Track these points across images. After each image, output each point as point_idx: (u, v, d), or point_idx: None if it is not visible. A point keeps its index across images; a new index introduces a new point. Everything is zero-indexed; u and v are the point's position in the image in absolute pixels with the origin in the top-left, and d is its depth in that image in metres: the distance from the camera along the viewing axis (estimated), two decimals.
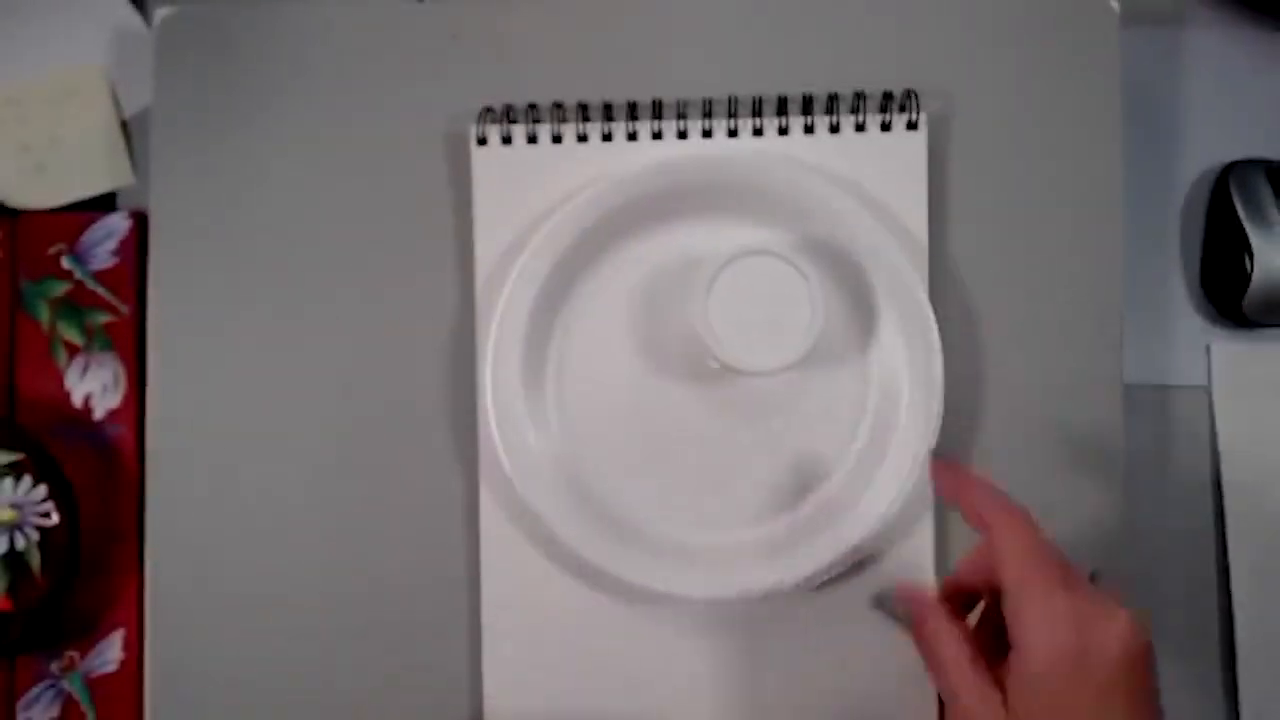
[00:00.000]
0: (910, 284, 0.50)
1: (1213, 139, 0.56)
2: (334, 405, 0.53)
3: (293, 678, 0.52)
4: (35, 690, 0.53)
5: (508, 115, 0.52)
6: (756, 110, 0.52)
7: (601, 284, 0.52)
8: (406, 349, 0.53)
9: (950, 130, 0.53)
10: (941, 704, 0.51)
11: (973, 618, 0.47)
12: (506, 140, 0.52)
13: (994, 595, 0.45)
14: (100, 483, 0.53)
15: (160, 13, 0.54)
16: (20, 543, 0.50)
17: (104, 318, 0.54)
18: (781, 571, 0.50)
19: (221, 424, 0.53)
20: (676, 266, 0.52)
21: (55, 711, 0.52)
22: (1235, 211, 0.54)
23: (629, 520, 0.51)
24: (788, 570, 0.50)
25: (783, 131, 0.52)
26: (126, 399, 0.54)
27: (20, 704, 0.52)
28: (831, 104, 0.52)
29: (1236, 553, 0.54)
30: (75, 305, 0.54)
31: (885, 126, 0.52)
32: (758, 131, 0.52)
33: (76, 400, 0.53)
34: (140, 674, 0.53)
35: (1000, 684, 0.42)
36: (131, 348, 0.54)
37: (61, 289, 0.54)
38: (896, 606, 0.51)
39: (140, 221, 0.54)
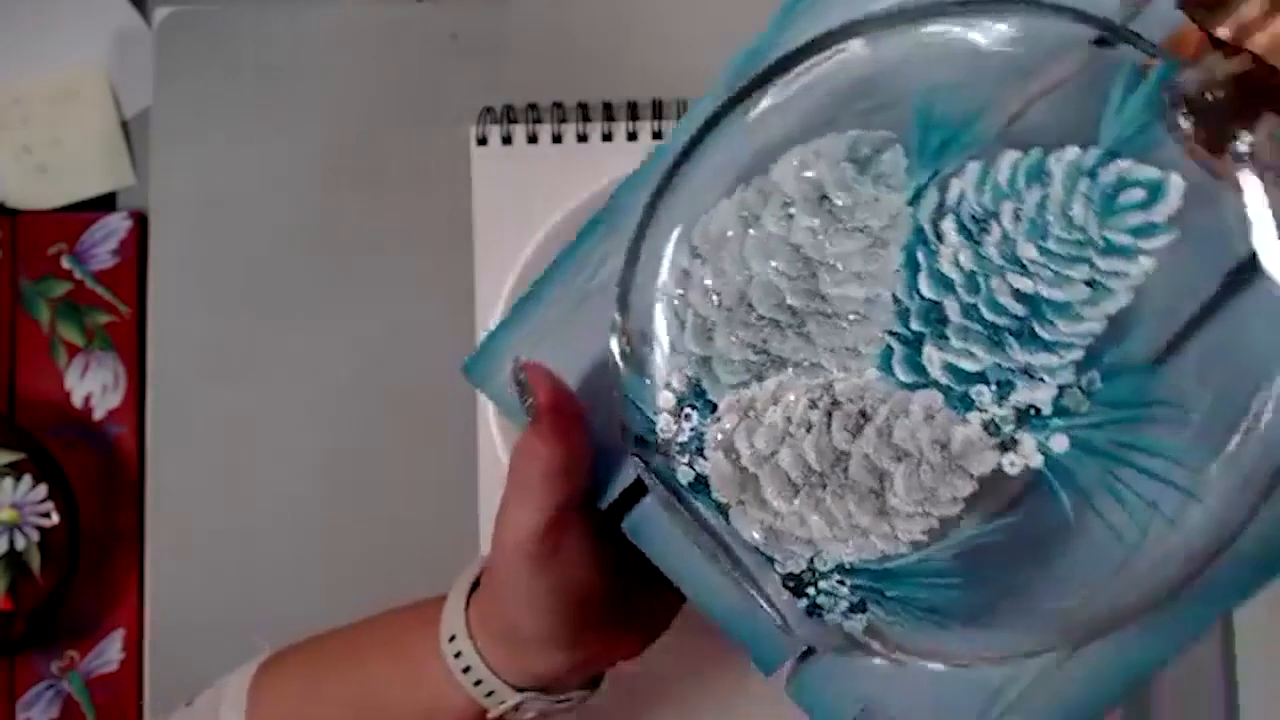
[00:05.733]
0: None
1: None
2: (333, 405, 0.53)
3: None
4: (35, 690, 0.52)
5: (508, 115, 0.52)
6: None
7: None
8: (406, 349, 0.53)
9: None
10: None
11: None
12: (506, 140, 0.52)
13: None
14: (100, 483, 0.53)
15: (160, 13, 0.54)
16: (20, 543, 0.50)
17: (104, 318, 0.54)
18: None
19: (221, 424, 0.52)
20: None
21: (55, 711, 0.52)
22: None
23: None
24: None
25: None
26: (126, 399, 0.53)
27: (20, 704, 0.52)
28: None
29: None
30: (75, 305, 0.54)
31: None
32: None
33: (76, 400, 0.53)
34: (140, 674, 0.53)
35: None
36: (131, 348, 0.54)
37: (61, 289, 0.54)
38: None
39: (140, 221, 0.54)
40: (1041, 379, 0.25)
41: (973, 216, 0.26)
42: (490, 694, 0.34)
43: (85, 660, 0.53)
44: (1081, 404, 0.25)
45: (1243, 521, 0.25)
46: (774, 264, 0.27)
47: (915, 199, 0.26)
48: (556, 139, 0.52)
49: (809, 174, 0.27)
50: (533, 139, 0.52)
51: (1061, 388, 0.25)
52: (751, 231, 0.27)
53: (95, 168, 0.55)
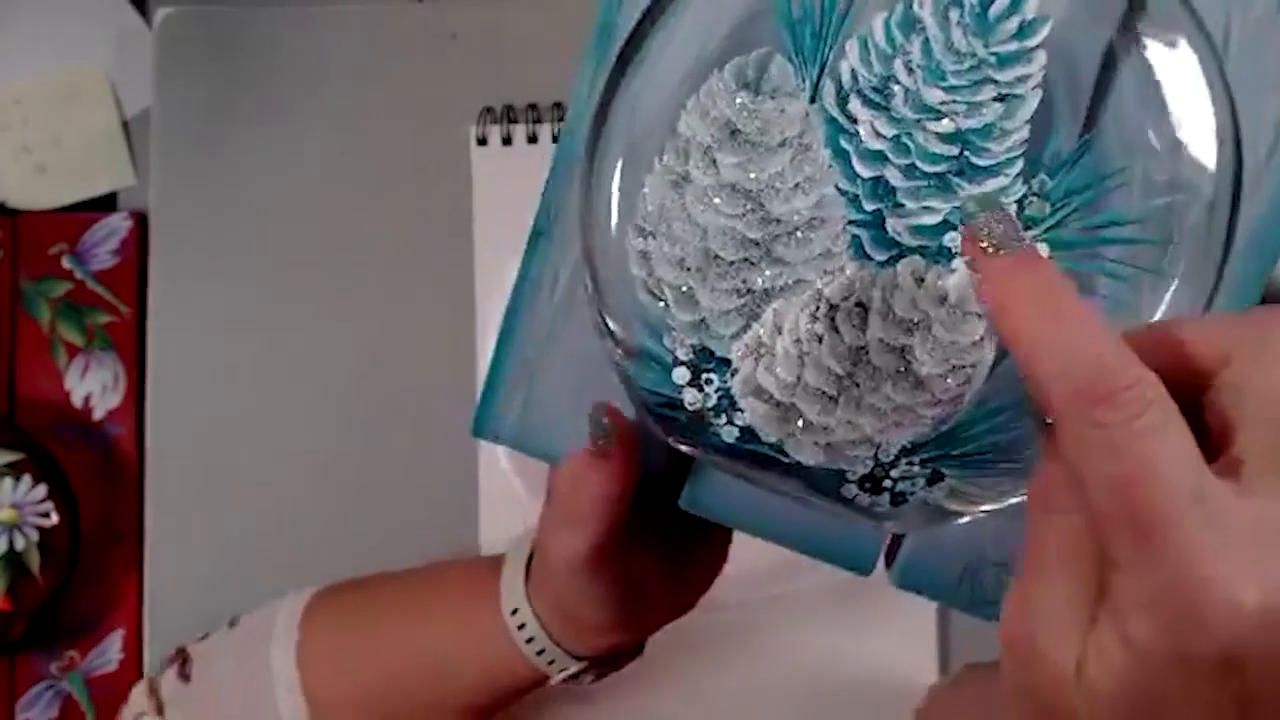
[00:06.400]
0: None
1: None
2: (333, 405, 0.53)
3: None
4: (35, 690, 0.52)
5: (508, 115, 0.52)
6: None
7: None
8: (406, 349, 0.53)
9: None
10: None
11: None
12: (506, 140, 0.52)
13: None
14: (100, 483, 0.53)
15: (160, 13, 0.54)
16: (20, 543, 0.50)
17: (104, 318, 0.54)
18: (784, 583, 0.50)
19: (221, 424, 0.52)
20: None
21: (55, 711, 0.52)
22: None
23: None
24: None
25: None
26: (126, 399, 0.53)
27: (20, 704, 0.52)
28: None
29: None
30: (75, 305, 0.54)
31: None
32: None
33: (76, 400, 0.53)
34: (140, 674, 0.53)
35: None
36: (131, 348, 0.54)
37: (62, 289, 0.54)
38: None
39: (140, 221, 0.54)
40: (999, 202, 0.26)
41: (873, 87, 0.26)
42: (552, 662, 0.37)
43: (85, 660, 0.53)
44: (1043, 208, 0.26)
45: (1218, 269, 0.27)
46: (720, 210, 0.27)
47: (815, 95, 0.27)
48: (556, 139, 0.52)
49: (712, 115, 0.27)
50: (533, 139, 0.52)
51: (1019, 201, 0.26)
52: (687, 191, 0.28)
53: (95, 168, 0.55)
